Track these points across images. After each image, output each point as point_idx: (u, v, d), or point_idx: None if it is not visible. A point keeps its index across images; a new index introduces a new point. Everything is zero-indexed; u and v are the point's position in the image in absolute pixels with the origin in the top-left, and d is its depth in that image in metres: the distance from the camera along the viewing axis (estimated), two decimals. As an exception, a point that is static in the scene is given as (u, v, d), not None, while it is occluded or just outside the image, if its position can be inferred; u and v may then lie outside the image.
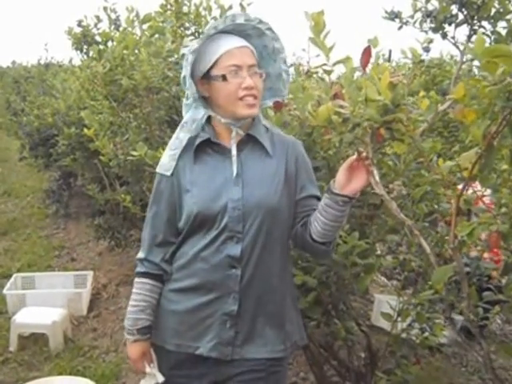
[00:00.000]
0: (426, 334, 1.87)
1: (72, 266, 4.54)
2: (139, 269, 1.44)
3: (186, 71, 1.32)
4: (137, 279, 1.44)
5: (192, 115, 1.40)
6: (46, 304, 3.36)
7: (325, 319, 1.96)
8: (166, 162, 1.39)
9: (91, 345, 3.20)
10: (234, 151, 1.37)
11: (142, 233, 1.47)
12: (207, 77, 1.34)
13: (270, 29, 1.37)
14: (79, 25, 4.66)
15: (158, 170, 1.41)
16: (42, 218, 5.92)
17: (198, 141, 1.38)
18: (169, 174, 1.38)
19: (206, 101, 1.38)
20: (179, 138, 1.40)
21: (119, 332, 3.32)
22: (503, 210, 1.17)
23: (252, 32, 1.38)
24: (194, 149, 1.38)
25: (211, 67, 1.32)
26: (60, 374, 2.78)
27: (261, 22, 1.36)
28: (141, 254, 1.44)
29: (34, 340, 3.17)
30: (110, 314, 3.64)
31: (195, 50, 1.30)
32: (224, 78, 1.30)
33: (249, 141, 1.40)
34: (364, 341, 2.17)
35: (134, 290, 1.44)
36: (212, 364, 1.38)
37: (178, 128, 1.41)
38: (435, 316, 1.78)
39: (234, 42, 1.33)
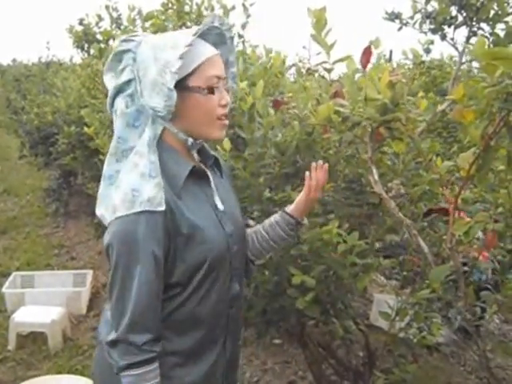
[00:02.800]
0: (424, 333, 1.88)
1: (71, 265, 4.54)
2: (146, 355, 1.06)
3: (168, 79, 1.05)
4: (144, 369, 1.07)
5: (153, 131, 1.11)
6: (45, 303, 3.35)
7: (323, 318, 1.97)
8: (154, 193, 1.04)
9: (90, 344, 3.20)
10: (211, 179, 1.21)
11: (125, 310, 1.05)
12: (182, 86, 1.09)
13: (231, 38, 1.21)
14: (81, 23, 4.69)
15: (143, 208, 1.03)
16: (41, 216, 5.92)
17: (187, 170, 1.12)
18: (161, 209, 1.04)
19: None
20: (152, 161, 1.08)
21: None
22: (500, 209, 1.18)
23: (215, 39, 1.19)
24: (183, 179, 1.11)
25: (188, 75, 1.10)
26: (59, 372, 2.78)
27: (230, 28, 1.20)
28: (142, 337, 1.06)
29: (33, 339, 3.17)
30: (109, 312, 3.64)
31: (189, 44, 1.06)
32: (210, 91, 1.10)
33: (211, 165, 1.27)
34: (362, 340, 2.18)
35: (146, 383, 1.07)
36: None
37: (145, 149, 1.08)
38: (433, 315, 1.79)
39: (211, 49, 1.13)
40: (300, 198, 1.31)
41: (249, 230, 1.35)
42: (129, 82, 1.11)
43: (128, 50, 1.11)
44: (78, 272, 4.02)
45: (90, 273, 3.94)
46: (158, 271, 1.06)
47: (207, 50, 1.12)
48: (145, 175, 1.06)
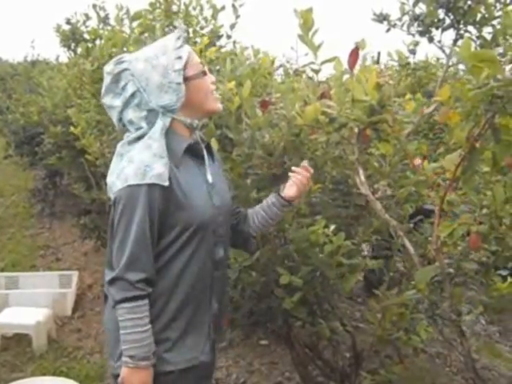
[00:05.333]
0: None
1: (57, 266, 4.49)
2: (138, 292, 1.27)
3: (174, 77, 1.29)
4: (135, 303, 1.27)
5: (163, 123, 1.32)
6: (30, 304, 3.31)
7: (310, 319, 1.97)
8: (163, 170, 1.27)
9: (75, 345, 3.17)
10: (206, 156, 1.42)
11: (125, 251, 1.27)
12: (183, 79, 1.31)
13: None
14: (68, 22, 4.65)
15: (153, 180, 1.26)
16: (26, 217, 5.85)
17: (184, 144, 1.34)
18: (167, 184, 1.27)
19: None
20: (162, 145, 1.30)
21: (104, 333, 3.29)
22: (484, 211, 1.19)
23: None
24: (182, 151, 1.33)
25: (183, 69, 1.31)
26: (43, 374, 2.74)
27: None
28: (136, 276, 1.26)
29: (18, 340, 3.12)
30: (94, 314, 3.60)
31: (179, 47, 1.31)
32: (204, 73, 1.35)
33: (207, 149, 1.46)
34: (349, 341, 2.18)
35: (135, 316, 1.27)
36: (203, 369, 1.41)
37: (158, 136, 1.30)
38: (419, 316, 1.80)
39: (185, 43, 1.36)
40: (294, 193, 1.49)
41: (250, 211, 1.57)
42: (133, 94, 1.31)
43: (125, 70, 1.32)
44: (64, 273, 3.97)
45: (75, 274, 3.90)
46: (150, 226, 1.27)
47: (185, 45, 1.34)
48: (156, 155, 1.27)
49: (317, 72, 1.45)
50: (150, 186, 1.25)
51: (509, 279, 1.67)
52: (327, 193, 1.89)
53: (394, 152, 1.61)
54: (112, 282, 1.28)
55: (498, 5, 2.59)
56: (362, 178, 1.24)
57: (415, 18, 2.88)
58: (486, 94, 0.96)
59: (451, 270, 1.32)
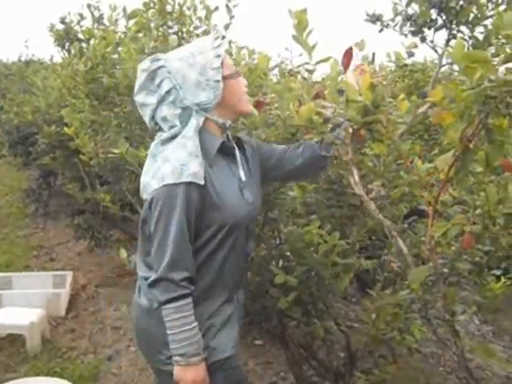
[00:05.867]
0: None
1: (51, 266, 4.48)
2: (183, 291, 1.28)
3: (212, 74, 1.32)
4: (181, 302, 1.29)
5: (197, 122, 1.34)
6: (23, 304, 3.30)
7: (305, 319, 1.97)
8: (198, 169, 1.27)
9: (69, 346, 3.16)
10: (237, 154, 1.45)
11: (166, 251, 1.28)
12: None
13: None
14: (62, 22, 4.63)
15: (190, 179, 1.27)
16: (20, 217, 5.83)
17: (217, 143, 1.37)
18: (202, 183, 1.28)
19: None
20: (196, 144, 1.31)
21: (98, 333, 3.29)
22: (478, 211, 1.20)
23: None
24: (216, 150, 1.36)
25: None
26: (37, 375, 2.73)
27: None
28: (179, 275, 1.28)
29: (11, 341, 3.11)
30: (88, 315, 3.60)
31: (217, 46, 1.34)
32: (238, 74, 1.39)
33: (237, 144, 1.49)
34: (343, 341, 2.18)
35: (182, 314, 1.29)
36: (237, 360, 1.47)
37: (192, 134, 1.32)
38: (413, 316, 1.80)
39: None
40: None
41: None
42: (169, 91, 1.33)
43: (161, 67, 1.33)
44: (58, 273, 3.96)
45: (69, 274, 3.89)
46: (188, 225, 1.28)
47: (220, 47, 1.36)
48: (192, 154, 1.29)
49: (311, 72, 1.46)
50: (187, 184, 1.26)
51: (502, 279, 1.68)
52: (322, 193, 1.89)
53: (388, 152, 1.61)
54: (155, 283, 1.29)
55: (489, 5, 2.60)
56: (356, 178, 1.25)
57: (408, 18, 2.88)
58: (479, 95, 0.97)
59: (445, 270, 1.33)
